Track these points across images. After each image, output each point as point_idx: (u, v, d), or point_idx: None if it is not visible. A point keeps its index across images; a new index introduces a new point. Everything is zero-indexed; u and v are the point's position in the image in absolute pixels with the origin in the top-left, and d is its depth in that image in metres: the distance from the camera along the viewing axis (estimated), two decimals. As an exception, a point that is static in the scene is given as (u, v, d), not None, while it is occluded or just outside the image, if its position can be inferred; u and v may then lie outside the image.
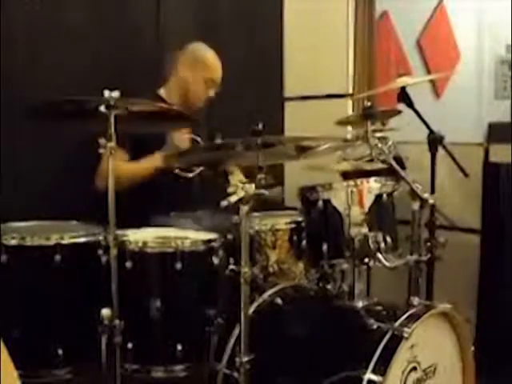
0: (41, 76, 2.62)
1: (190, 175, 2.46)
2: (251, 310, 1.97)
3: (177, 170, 2.66)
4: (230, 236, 2.19)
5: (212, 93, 2.80)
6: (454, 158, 2.52)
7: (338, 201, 2.06)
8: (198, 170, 2.59)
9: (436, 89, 4.11)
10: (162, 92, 2.81)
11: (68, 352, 1.98)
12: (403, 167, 2.30)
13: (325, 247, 2.09)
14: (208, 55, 2.79)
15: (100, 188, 2.50)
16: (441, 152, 2.49)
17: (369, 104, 2.20)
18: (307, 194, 2.14)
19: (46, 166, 2.66)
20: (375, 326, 1.88)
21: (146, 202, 2.61)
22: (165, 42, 2.97)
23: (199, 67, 2.76)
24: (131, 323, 1.95)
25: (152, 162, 2.58)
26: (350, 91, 3.53)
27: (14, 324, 1.94)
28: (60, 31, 2.72)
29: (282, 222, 2.32)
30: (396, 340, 1.79)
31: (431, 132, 2.46)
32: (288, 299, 2.13)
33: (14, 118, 2.35)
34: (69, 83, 2.65)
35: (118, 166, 2.57)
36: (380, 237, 1.99)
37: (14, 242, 1.98)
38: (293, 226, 2.31)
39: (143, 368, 2.03)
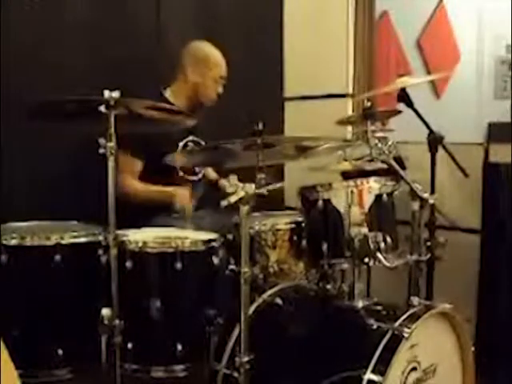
0: (41, 76, 2.62)
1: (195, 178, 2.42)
2: (251, 310, 1.97)
3: (181, 173, 2.68)
4: (229, 236, 2.19)
5: (221, 89, 2.81)
6: (453, 158, 2.53)
7: (338, 201, 2.06)
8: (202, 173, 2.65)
9: (436, 89, 4.10)
10: (167, 93, 2.80)
11: (68, 352, 1.98)
12: (403, 167, 2.29)
13: (325, 247, 2.08)
14: (214, 53, 2.79)
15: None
16: (441, 152, 2.49)
17: (369, 104, 2.20)
18: (307, 194, 2.14)
19: (46, 165, 2.65)
20: (375, 326, 1.88)
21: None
22: (165, 42, 2.97)
23: (208, 69, 2.76)
24: (131, 323, 1.95)
25: (168, 193, 2.62)
26: (350, 91, 3.53)
27: (14, 324, 1.94)
28: (60, 31, 2.72)
29: (282, 222, 2.31)
30: (396, 340, 1.79)
31: (431, 132, 2.46)
32: (288, 299, 2.13)
33: (14, 117, 2.35)
34: (69, 83, 2.65)
35: (132, 185, 2.62)
36: (380, 237, 1.99)
37: (14, 242, 1.97)
38: (293, 226, 2.30)
39: (143, 368, 2.03)
